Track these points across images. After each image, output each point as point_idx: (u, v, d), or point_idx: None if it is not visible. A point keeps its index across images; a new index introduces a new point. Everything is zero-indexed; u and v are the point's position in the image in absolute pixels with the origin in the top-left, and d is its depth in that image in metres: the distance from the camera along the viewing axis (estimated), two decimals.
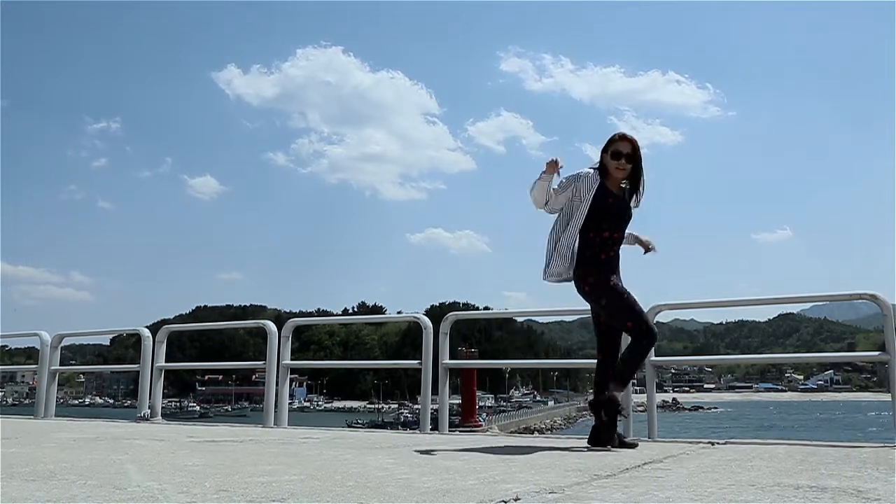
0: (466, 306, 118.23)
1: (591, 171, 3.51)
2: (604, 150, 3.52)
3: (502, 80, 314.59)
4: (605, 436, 3.33)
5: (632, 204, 3.58)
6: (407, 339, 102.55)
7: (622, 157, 3.45)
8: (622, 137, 3.49)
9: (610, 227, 3.45)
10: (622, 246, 3.57)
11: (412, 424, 37.62)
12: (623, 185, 3.55)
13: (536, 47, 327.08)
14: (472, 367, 38.86)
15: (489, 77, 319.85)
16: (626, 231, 3.60)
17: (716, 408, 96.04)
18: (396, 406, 79.17)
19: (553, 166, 3.39)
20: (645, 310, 3.52)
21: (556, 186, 3.46)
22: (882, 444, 3.37)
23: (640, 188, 3.58)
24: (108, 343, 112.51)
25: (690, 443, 3.59)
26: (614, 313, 3.42)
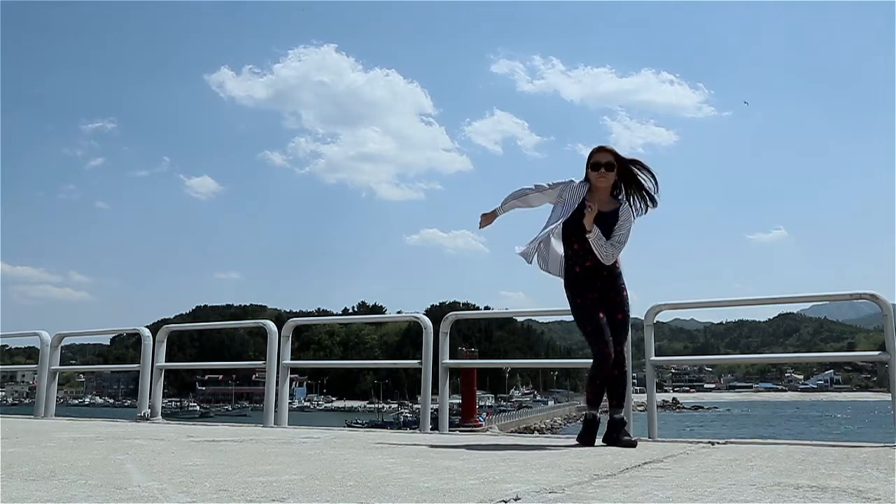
0: (466, 306, 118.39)
1: (578, 181, 3.62)
2: (587, 167, 3.62)
3: (493, 82, 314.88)
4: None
5: (636, 206, 3.62)
6: (407, 338, 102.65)
7: (601, 166, 3.55)
8: (600, 149, 3.61)
9: (579, 240, 3.55)
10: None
11: (412, 424, 37.62)
12: (618, 197, 3.64)
13: (526, 49, 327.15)
14: (472, 367, 38.83)
15: (481, 79, 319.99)
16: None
17: (716, 407, 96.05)
18: (396, 406, 79.19)
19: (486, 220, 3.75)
20: (605, 330, 3.51)
21: (544, 188, 3.65)
22: (882, 445, 3.37)
23: (639, 189, 3.63)
24: (108, 343, 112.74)
25: (690, 443, 3.59)
26: (582, 332, 3.60)
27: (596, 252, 3.48)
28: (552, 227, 3.57)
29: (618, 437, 3.44)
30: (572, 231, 3.54)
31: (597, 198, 3.55)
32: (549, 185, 3.63)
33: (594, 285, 3.54)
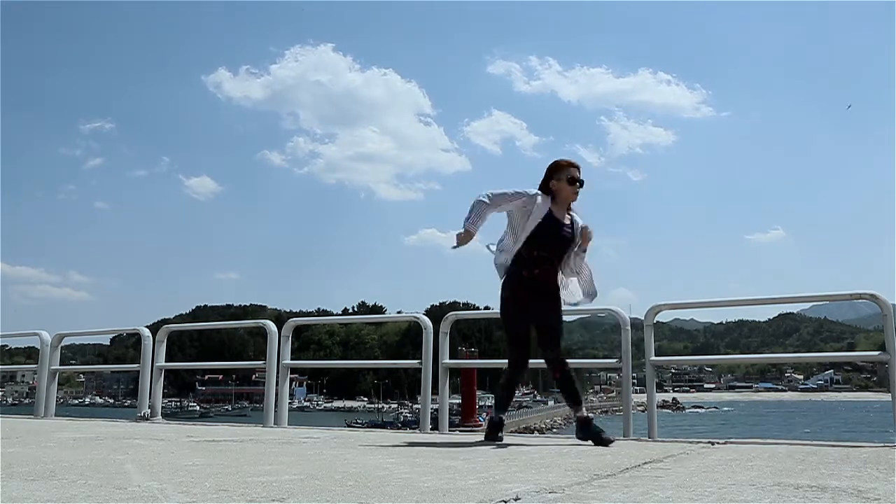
0: (466, 306, 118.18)
1: (541, 194, 3.62)
2: (554, 178, 3.62)
3: (491, 82, 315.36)
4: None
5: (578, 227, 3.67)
6: (407, 338, 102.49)
7: (579, 182, 3.63)
8: (574, 164, 3.65)
9: (539, 246, 3.57)
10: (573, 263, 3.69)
11: (412, 424, 37.61)
12: (570, 212, 3.69)
13: (522, 49, 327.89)
14: (472, 367, 38.82)
15: (479, 80, 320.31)
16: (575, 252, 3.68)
17: (716, 407, 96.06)
18: (396, 406, 79.21)
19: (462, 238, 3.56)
20: (514, 340, 3.67)
21: (510, 198, 3.60)
22: (882, 445, 3.36)
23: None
24: (108, 343, 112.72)
25: (690, 443, 3.59)
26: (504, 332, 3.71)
27: (587, 282, 3.71)
28: (518, 239, 3.59)
29: (596, 435, 3.44)
30: (540, 239, 3.56)
31: (562, 211, 3.64)
32: (512, 192, 3.59)
33: (534, 291, 3.59)
